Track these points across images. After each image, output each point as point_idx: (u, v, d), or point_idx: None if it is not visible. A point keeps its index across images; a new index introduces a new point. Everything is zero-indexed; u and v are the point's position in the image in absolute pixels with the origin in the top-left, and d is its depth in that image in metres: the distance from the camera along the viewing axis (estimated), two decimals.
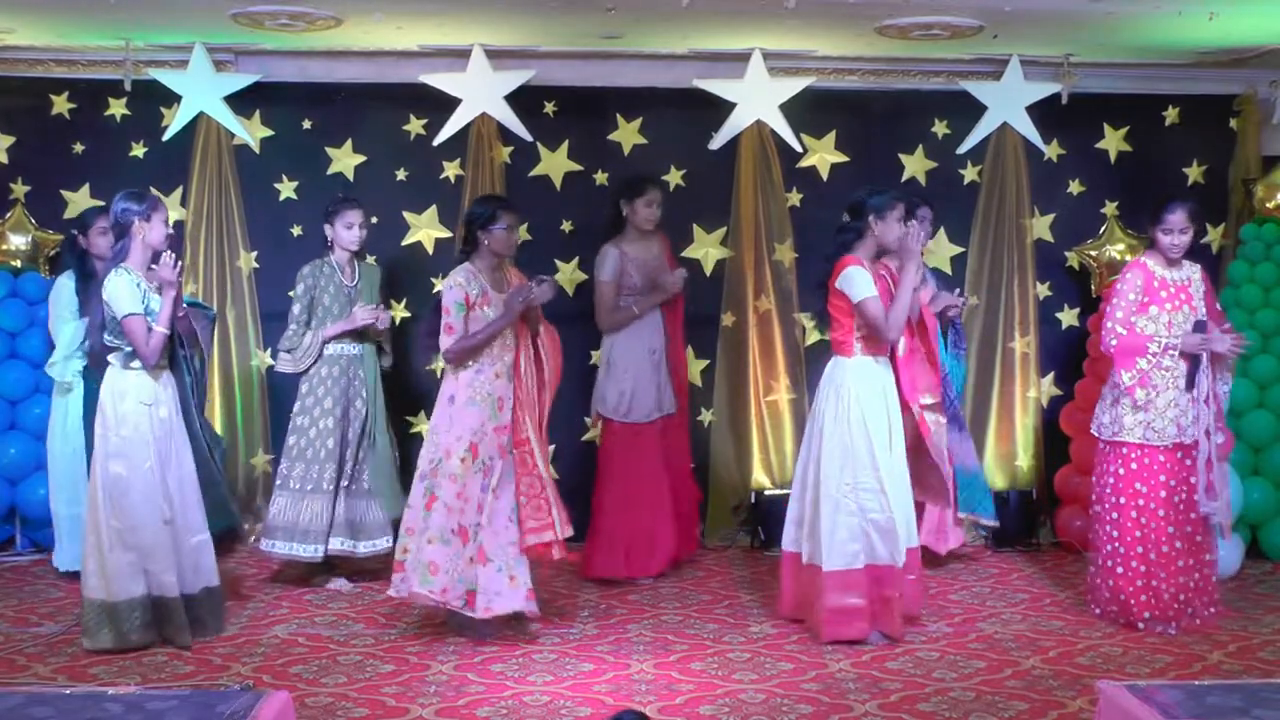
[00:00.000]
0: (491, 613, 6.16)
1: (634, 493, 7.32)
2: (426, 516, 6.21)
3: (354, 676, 5.70)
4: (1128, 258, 8.12)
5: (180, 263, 6.22)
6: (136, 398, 6.05)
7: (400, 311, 8.05)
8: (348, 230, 7.23)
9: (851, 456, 6.15)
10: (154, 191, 6.82)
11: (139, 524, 6.01)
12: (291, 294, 7.32)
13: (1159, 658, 6.00)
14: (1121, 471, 6.42)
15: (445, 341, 6.28)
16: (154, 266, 6.10)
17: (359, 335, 7.27)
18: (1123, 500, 6.41)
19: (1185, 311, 6.42)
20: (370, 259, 7.49)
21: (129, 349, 6.04)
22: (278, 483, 7.24)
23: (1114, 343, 6.42)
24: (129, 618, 6.01)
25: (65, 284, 7.27)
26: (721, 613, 6.71)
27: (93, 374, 6.56)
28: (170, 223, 6.33)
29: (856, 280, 6.15)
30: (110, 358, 6.10)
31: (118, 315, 5.99)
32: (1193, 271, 6.55)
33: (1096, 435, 6.56)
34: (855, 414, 6.16)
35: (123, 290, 6.00)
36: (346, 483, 7.17)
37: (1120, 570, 6.42)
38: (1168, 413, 6.36)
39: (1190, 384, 6.34)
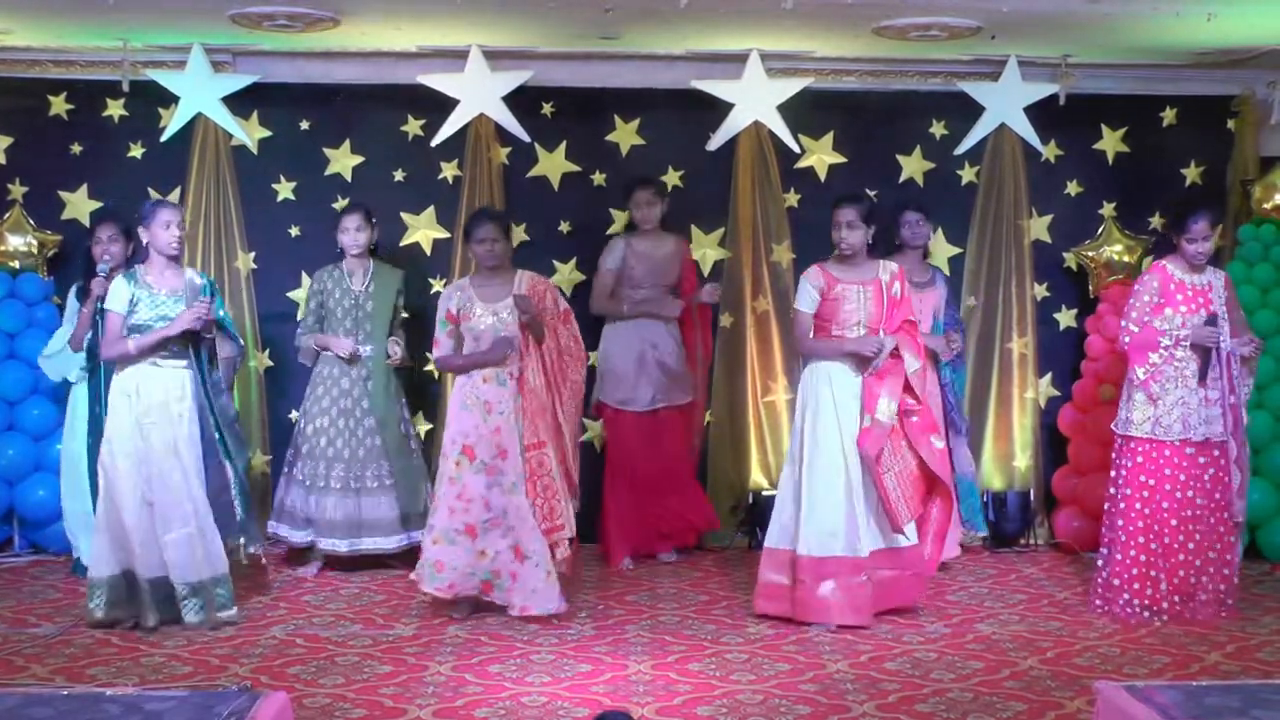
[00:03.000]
0: (529, 611, 6.44)
1: (636, 478, 7.65)
2: (433, 516, 6.56)
3: (352, 677, 5.70)
4: (1126, 259, 8.15)
5: (207, 316, 6.35)
6: (119, 388, 6.31)
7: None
8: (343, 235, 7.44)
9: (791, 450, 6.60)
10: (155, 195, 6.87)
11: (119, 505, 6.28)
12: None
13: (1157, 658, 6.00)
14: (1130, 465, 6.56)
15: (435, 353, 6.73)
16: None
17: (365, 337, 7.43)
18: (1129, 491, 6.54)
19: (1202, 315, 6.50)
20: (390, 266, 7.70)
21: None
22: (285, 471, 7.56)
23: (1127, 340, 6.58)
24: (95, 596, 6.34)
25: (74, 294, 7.39)
26: (719, 613, 6.71)
27: (94, 372, 6.90)
28: (174, 225, 6.36)
29: (800, 289, 6.59)
30: None
31: (104, 306, 6.40)
32: (1215, 278, 6.63)
33: (1113, 430, 6.69)
34: (805, 412, 6.50)
35: (116, 290, 6.36)
36: (353, 482, 7.35)
37: (1119, 558, 6.54)
38: (1175, 410, 6.45)
39: (1203, 377, 6.41)
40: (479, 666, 5.84)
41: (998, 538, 8.09)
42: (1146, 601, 6.49)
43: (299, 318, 7.74)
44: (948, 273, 8.21)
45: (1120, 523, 6.55)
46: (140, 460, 6.28)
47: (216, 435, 6.43)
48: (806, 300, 6.54)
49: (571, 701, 5.38)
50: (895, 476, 6.39)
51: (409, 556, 7.11)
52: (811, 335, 6.57)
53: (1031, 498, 8.22)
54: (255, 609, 6.70)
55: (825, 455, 6.41)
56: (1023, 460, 8.28)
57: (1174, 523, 6.47)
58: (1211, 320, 6.45)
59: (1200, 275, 6.58)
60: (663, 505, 7.72)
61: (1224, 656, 6.04)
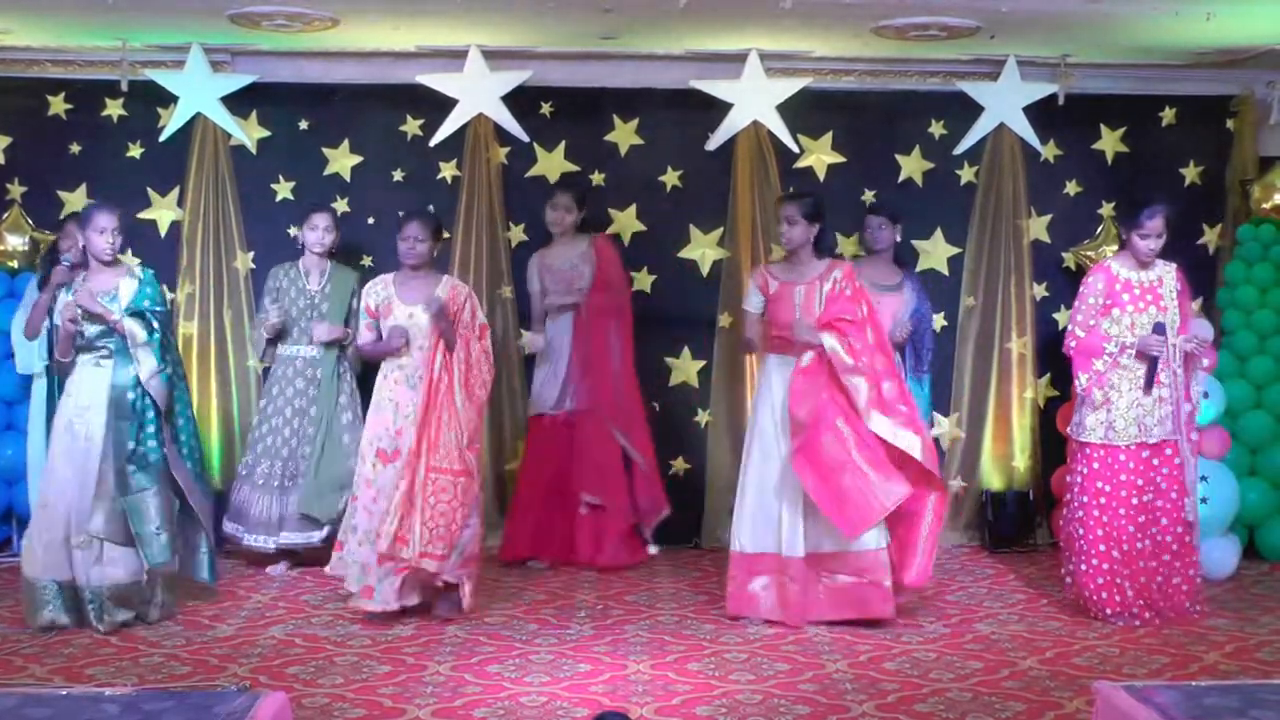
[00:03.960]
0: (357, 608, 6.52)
1: (530, 479, 7.76)
2: (354, 517, 6.58)
3: (351, 677, 5.70)
4: None
5: (78, 312, 6.33)
6: (66, 388, 6.46)
7: None
8: (310, 232, 7.54)
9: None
10: (95, 202, 6.94)
11: (49, 503, 6.35)
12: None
13: (1156, 658, 6.00)
14: (1085, 470, 6.55)
15: (356, 341, 7.06)
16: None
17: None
18: (1086, 499, 6.54)
19: (1151, 313, 6.49)
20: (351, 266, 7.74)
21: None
22: (241, 473, 7.59)
23: (1073, 344, 6.58)
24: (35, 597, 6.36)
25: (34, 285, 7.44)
26: (718, 613, 6.69)
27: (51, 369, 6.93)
28: (109, 231, 6.35)
29: (746, 290, 6.76)
30: None
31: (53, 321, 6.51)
32: (1165, 272, 6.58)
33: (1067, 434, 6.71)
34: (753, 412, 6.67)
35: (60, 303, 6.44)
36: (293, 479, 7.42)
37: (1084, 567, 6.55)
38: (1129, 413, 6.45)
39: (1148, 385, 6.40)
40: (478, 666, 5.84)
41: (997, 538, 8.09)
42: (1116, 608, 6.48)
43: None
44: (946, 273, 8.20)
45: (1081, 531, 6.54)
46: (68, 459, 6.31)
47: (131, 452, 6.31)
48: (750, 300, 6.67)
49: (570, 701, 5.38)
50: (853, 477, 6.22)
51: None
52: (754, 335, 6.68)
53: (1031, 498, 8.23)
54: (254, 609, 6.70)
55: (761, 452, 6.49)
56: (1021, 460, 8.28)
57: (1131, 529, 6.48)
58: (1159, 329, 6.42)
59: (1149, 271, 6.54)
60: (551, 514, 7.69)
61: (1223, 656, 6.04)
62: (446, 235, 7.94)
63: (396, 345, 6.58)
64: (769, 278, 6.59)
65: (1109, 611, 6.48)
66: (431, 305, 6.47)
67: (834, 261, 6.58)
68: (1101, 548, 6.49)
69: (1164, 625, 6.45)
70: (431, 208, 7.73)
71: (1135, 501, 6.48)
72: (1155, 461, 6.49)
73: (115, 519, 6.27)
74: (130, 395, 6.30)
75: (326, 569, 6.80)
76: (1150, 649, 6.13)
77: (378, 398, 6.67)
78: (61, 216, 7.89)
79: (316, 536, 7.36)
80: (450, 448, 6.40)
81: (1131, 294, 6.51)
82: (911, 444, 6.28)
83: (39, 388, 7.43)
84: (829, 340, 6.30)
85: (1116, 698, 4.06)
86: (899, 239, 7.77)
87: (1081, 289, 6.64)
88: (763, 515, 6.47)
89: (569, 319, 7.69)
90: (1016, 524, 8.13)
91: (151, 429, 6.34)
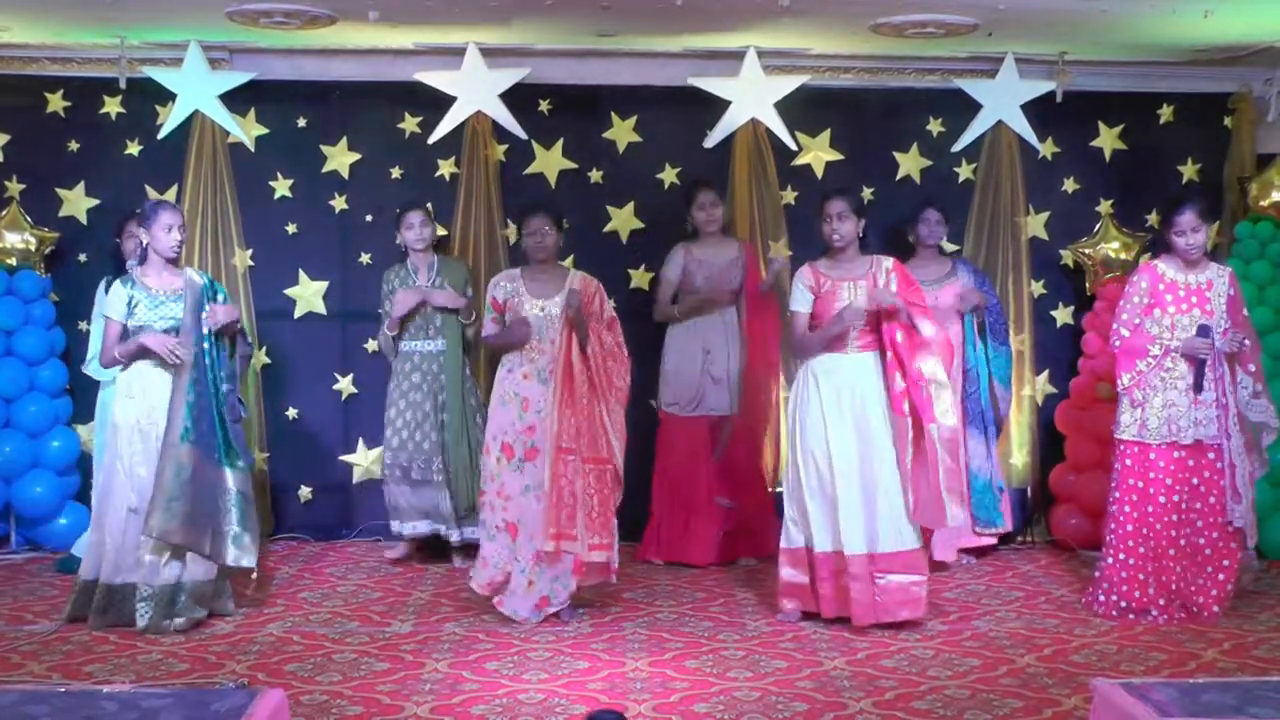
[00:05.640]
0: (503, 607, 6.43)
1: (673, 481, 7.63)
2: (483, 511, 6.59)
3: (349, 674, 5.69)
4: (1123, 256, 8.14)
5: (213, 323, 6.38)
6: (123, 390, 6.35)
7: None
8: (409, 231, 7.57)
9: (790, 450, 6.54)
10: (154, 194, 6.86)
11: (104, 512, 6.35)
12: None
13: (1154, 655, 6.01)
14: (1119, 467, 6.57)
15: (483, 333, 6.92)
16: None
17: (436, 331, 7.53)
18: (1119, 494, 6.55)
19: (1195, 315, 6.44)
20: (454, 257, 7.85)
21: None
22: (385, 473, 7.71)
23: (1118, 344, 6.57)
24: (77, 597, 6.40)
25: (103, 287, 7.29)
26: (717, 610, 6.71)
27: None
28: (175, 228, 6.36)
29: (793, 290, 6.52)
30: None
31: (104, 313, 6.40)
32: (1216, 275, 6.55)
33: (1111, 432, 6.69)
34: (796, 413, 6.46)
35: (113, 296, 6.38)
36: (436, 474, 7.49)
37: (1110, 560, 6.56)
38: (1162, 412, 6.42)
39: (1198, 387, 6.37)
40: (476, 664, 5.84)
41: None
42: (1134, 604, 6.49)
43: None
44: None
45: (1113, 525, 6.56)
46: (136, 465, 6.28)
47: (217, 437, 6.36)
48: (800, 300, 6.44)
49: (568, 699, 5.38)
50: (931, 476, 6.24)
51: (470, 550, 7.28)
52: (803, 336, 6.46)
53: (1029, 495, 8.23)
54: (252, 606, 6.70)
55: (814, 453, 6.33)
56: (1020, 457, 8.27)
57: (1158, 526, 6.46)
58: (1204, 330, 6.37)
59: (1197, 274, 6.51)
60: (689, 517, 7.62)
61: (1221, 654, 6.04)
62: (444, 231, 7.97)
63: (521, 336, 6.47)
64: (819, 274, 6.44)
65: (1125, 605, 6.49)
66: (570, 301, 6.34)
67: (877, 256, 6.47)
68: (1130, 543, 6.49)
69: (1189, 621, 6.44)
70: (430, 205, 7.74)
71: (1164, 500, 6.45)
72: (1191, 463, 6.45)
73: (188, 520, 6.24)
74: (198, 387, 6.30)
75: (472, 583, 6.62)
76: (1148, 646, 6.13)
77: (501, 391, 6.52)
78: (82, 215, 7.94)
79: (442, 528, 7.52)
80: (597, 437, 6.37)
81: (1175, 295, 6.47)
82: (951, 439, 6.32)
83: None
84: (916, 315, 6.27)
85: (1114, 695, 4.06)
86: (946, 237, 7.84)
87: (1126, 288, 6.61)
88: (821, 514, 6.32)
89: (722, 323, 7.60)
90: (1015, 521, 8.11)
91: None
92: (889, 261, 6.46)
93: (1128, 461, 6.51)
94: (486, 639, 6.19)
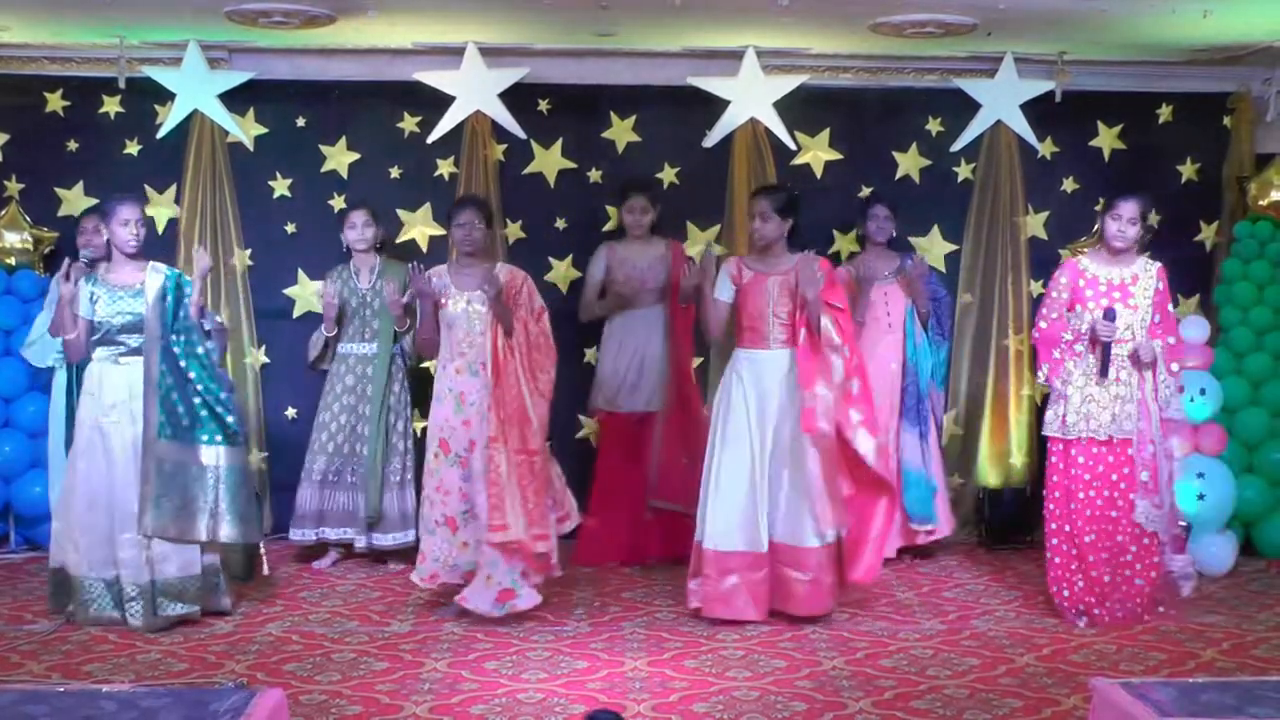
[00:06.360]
0: (466, 603, 6.40)
1: (607, 481, 7.63)
2: (422, 507, 6.64)
3: (348, 674, 5.70)
4: None
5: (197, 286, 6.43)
6: (85, 386, 6.42)
7: None
8: (350, 231, 7.56)
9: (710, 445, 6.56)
10: (117, 194, 6.85)
11: (69, 503, 6.36)
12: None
13: (1153, 655, 6.01)
14: (1048, 465, 6.61)
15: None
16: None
17: (373, 334, 7.51)
18: (1045, 491, 6.60)
19: (1117, 310, 6.39)
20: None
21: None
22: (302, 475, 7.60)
23: (1036, 335, 6.63)
24: (54, 590, 6.45)
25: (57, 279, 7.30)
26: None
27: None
28: (133, 222, 6.34)
29: (718, 279, 6.57)
30: None
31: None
32: (1144, 269, 6.49)
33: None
34: (718, 406, 6.54)
35: (79, 295, 6.37)
36: (351, 476, 7.46)
37: (1049, 556, 6.57)
38: (1081, 407, 6.41)
39: (1103, 373, 6.34)
40: (475, 663, 5.84)
41: (994, 535, 8.09)
42: (1067, 603, 6.49)
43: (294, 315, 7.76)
44: (944, 270, 8.18)
45: (1049, 524, 6.56)
46: (98, 459, 6.30)
47: (198, 419, 6.29)
48: (722, 289, 6.52)
49: (568, 698, 5.38)
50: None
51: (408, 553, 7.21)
52: (720, 324, 6.58)
53: (1028, 494, 8.22)
54: (251, 606, 6.70)
55: (732, 446, 6.39)
56: (1018, 457, 8.27)
57: (1079, 522, 6.44)
58: (1110, 314, 6.32)
59: (1122, 268, 6.46)
60: (629, 516, 7.62)
61: (1220, 654, 6.04)
62: (444, 231, 7.96)
63: (426, 307, 6.54)
64: (743, 267, 6.53)
65: (1059, 605, 6.49)
66: (490, 284, 6.32)
67: (807, 254, 6.45)
68: (1054, 541, 6.51)
69: (1112, 626, 6.39)
70: (430, 204, 7.74)
71: (1084, 496, 6.44)
72: (1110, 459, 6.42)
73: (178, 513, 6.26)
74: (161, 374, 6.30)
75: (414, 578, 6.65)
76: (1147, 646, 6.14)
77: (439, 388, 6.59)
78: (78, 213, 7.91)
79: (360, 531, 7.45)
80: (524, 428, 6.37)
81: (1095, 290, 6.44)
82: (868, 448, 6.35)
83: (59, 380, 7.43)
84: (825, 318, 6.33)
85: (1113, 694, 4.06)
86: (895, 233, 7.80)
87: (1048, 285, 6.68)
88: (736, 511, 6.37)
89: (650, 319, 7.59)
90: (1013, 521, 8.11)
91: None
92: (816, 261, 6.42)
93: (1053, 458, 6.52)
94: (485, 639, 6.19)
